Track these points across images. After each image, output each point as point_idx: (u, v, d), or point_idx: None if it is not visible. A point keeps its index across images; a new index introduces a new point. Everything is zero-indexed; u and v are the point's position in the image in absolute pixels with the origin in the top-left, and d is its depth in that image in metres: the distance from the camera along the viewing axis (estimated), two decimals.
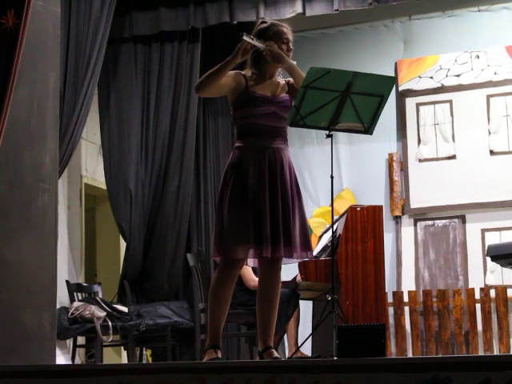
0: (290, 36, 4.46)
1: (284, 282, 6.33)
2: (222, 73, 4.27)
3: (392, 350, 7.60)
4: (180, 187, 7.71)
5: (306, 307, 6.91)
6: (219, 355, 4.26)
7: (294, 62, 4.45)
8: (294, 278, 6.15)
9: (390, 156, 8.18)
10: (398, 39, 8.32)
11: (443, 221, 7.98)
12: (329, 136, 4.77)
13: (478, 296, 7.52)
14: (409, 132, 8.20)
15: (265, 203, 4.20)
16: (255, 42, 4.29)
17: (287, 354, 6.74)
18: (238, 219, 4.20)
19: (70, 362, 6.92)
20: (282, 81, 4.49)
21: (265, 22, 4.50)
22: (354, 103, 4.61)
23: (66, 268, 7.73)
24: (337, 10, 7.27)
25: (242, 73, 4.43)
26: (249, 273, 6.20)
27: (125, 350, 7.35)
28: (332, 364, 3.40)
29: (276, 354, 4.24)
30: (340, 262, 5.69)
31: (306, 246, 4.32)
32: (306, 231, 4.34)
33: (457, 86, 8.10)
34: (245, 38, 4.27)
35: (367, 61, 8.04)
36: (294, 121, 4.52)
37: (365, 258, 5.75)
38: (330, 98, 4.57)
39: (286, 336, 6.50)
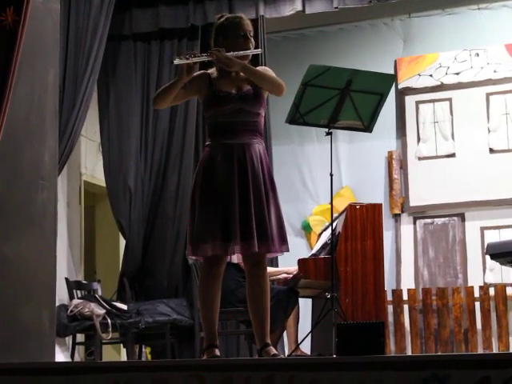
0: (248, 26, 4.38)
1: (284, 280, 6.33)
2: (171, 91, 4.32)
3: (391, 348, 7.60)
4: (179, 184, 7.69)
5: (305, 305, 6.91)
6: (217, 353, 4.25)
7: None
8: (294, 276, 6.14)
9: (390, 154, 8.18)
10: (398, 37, 8.32)
11: (442, 219, 7.98)
12: (328, 134, 4.77)
13: (477, 294, 7.52)
14: (408, 130, 8.20)
15: (233, 200, 4.18)
16: (195, 59, 4.24)
17: (287, 352, 6.74)
18: (206, 217, 4.20)
19: (69, 360, 6.92)
20: None
21: (221, 17, 4.46)
22: (354, 101, 4.62)
23: (65, 265, 7.72)
24: (336, 7, 7.26)
25: (208, 72, 4.40)
26: None
27: (124, 347, 7.34)
28: (331, 362, 3.40)
29: (274, 351, 4.24)
30: (339, 259, 5.69)
31: (283, 239, 4.28)
32: (282, 225, 4.30)
33: (456, 84, 8.10)
34: (175, 62, 4.25)
35: (367, 59, 8.03)
36: (294, 118, 4.53)
37: (364, 256, 5.75)
38: (330, 95, 4.58)
39: (285, 334, 6.49)
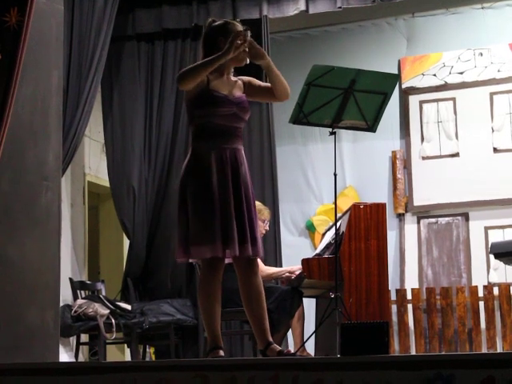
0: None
1: (287, 279, 6.32)
2: (209, 68, 4.13)
3: (395, 348, 7.60)
4: None
5: (309, 305, 6.91)
6: (222, 354, 4.25)
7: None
8: (298, 276, 6.14)
9: (394, 154, 8.17)
10: (402, 37, 8.32)
11: (446, 218, 7.97)
12: (332, 133, 4.77)
13: (481, 294, 7.52)
14: (412, 130, 8.19)
15: (229, 204, 4.17)
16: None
17: None
18: (204, 219, 4.16)
19: (73, 360, 6.93)
20: (235, 79, 4.34)
21: (213, 21, 4.36)
22: (358, 101, 4.62)
23: (69, 266, 7.73)
24: (340, 7, 7.27)
25: None
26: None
27: (128, 347, 7.35)
28: (335, 361, 3.40)
29: (279, 348, 4.23)
30: (343, 259, 5.69)
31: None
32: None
33: (460, 83, 8.09)
34: (249, 34, 4.13)
35: (370, 58, 8.04)
36: (297, 118, 4.53)
37: (368, 256, 5.75)
38: (333, 95, 4.58)
39: (290, 334, 6.49)
